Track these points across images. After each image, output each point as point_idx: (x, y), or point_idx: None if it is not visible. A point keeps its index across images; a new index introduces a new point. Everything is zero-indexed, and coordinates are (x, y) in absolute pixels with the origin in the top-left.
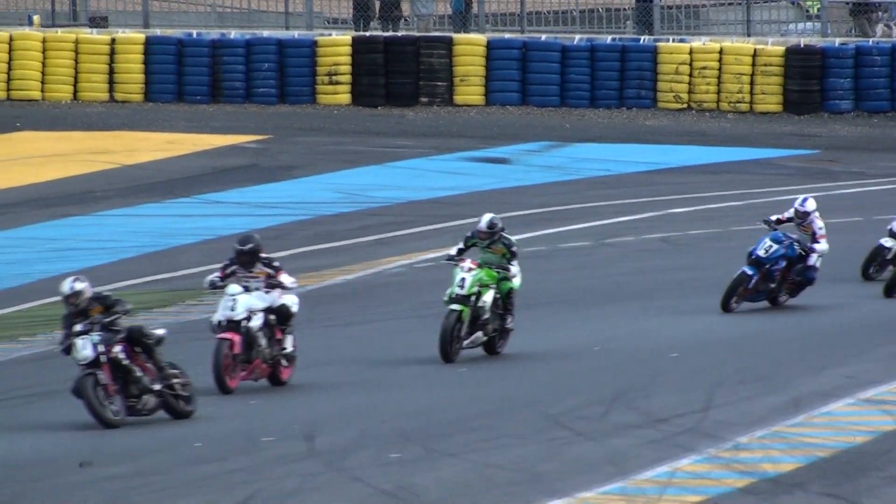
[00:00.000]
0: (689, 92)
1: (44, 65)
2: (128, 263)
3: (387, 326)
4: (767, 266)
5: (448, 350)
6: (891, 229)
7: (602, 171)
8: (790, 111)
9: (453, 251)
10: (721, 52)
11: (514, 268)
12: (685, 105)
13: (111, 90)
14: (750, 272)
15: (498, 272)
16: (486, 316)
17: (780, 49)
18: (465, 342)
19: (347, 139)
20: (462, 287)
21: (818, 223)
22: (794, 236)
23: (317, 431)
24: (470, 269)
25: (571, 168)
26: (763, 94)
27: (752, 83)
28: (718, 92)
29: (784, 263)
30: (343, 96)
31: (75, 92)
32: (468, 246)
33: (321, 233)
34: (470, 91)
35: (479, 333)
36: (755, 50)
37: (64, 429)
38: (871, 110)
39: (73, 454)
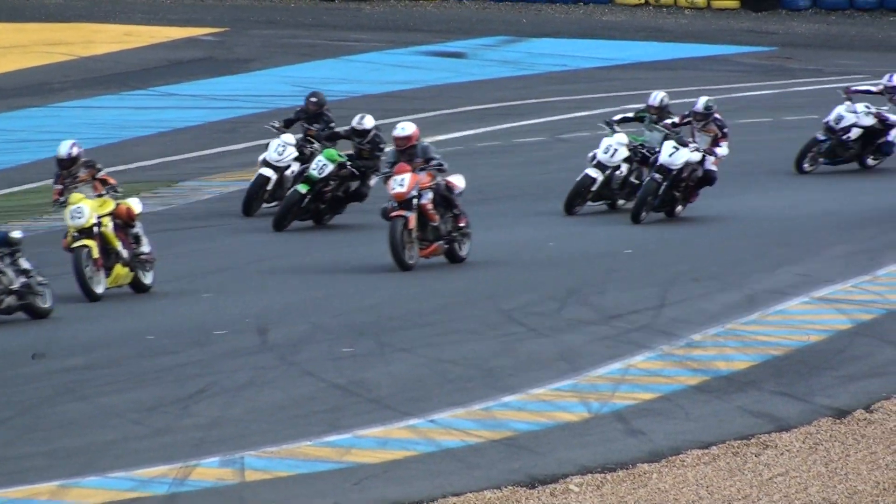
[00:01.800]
0: None
1: None
2: (83, 155)
3: (341, 220)
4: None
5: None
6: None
7: (558, 66)
8: (747, 7)
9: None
10: None
11: None
12: (643, 1)
13: None
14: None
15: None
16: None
17: None
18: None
19: (304, 32)
20: None
21: None
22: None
23: (269, 325)
24: None
25: (527, 63)
26: None
27: None
28: None
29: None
30: None
31: None
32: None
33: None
34: None
35: None
36: None
37: (17, 320)
38: (829, 7)
39: (25, 346)
